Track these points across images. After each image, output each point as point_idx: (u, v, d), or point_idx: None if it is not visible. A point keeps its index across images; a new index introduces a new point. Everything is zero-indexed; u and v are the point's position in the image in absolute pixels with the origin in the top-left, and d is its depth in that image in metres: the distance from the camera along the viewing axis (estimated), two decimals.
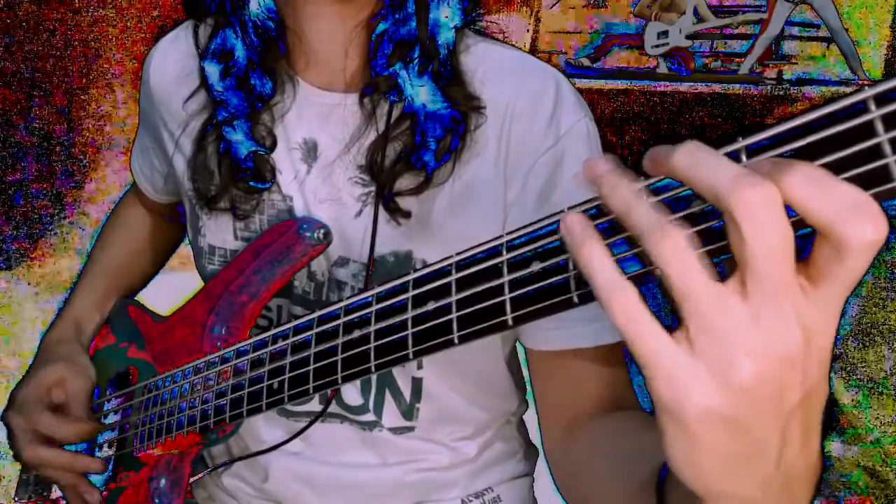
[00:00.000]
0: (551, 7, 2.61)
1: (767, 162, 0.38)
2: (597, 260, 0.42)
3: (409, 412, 0.95)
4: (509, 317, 0.50)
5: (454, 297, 0.54)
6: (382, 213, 0.85)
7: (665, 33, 2.57)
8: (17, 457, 0.97)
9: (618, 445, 0.75)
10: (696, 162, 0.39)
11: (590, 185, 0.44)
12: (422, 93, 0.82)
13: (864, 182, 0.36)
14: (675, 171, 0.40)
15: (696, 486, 0.43)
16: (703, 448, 0.41)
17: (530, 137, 0.84)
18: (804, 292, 0.39)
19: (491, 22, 0.90)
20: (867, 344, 2.40)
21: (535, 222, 0.50)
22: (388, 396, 0.94)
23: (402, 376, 0.93)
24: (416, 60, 0.82)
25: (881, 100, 0.35)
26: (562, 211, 0.48)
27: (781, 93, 2.47)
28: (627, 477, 0.66)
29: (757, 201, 0.37)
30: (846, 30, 2.45)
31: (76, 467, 0.95)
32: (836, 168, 0.37)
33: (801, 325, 0.38)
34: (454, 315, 0.54)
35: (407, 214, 0.85)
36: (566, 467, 0.84)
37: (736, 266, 0.39)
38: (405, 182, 0.84)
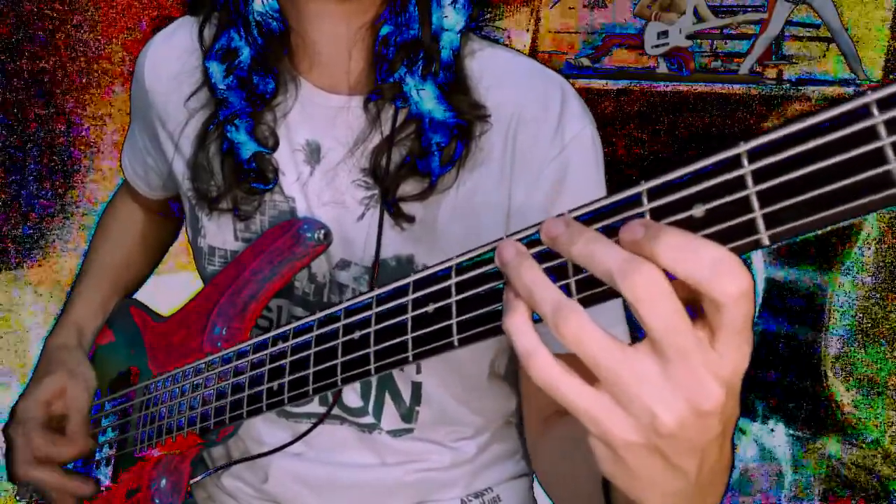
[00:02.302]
0: (551, 7, 2.60)
1: (640, 227, 0.42)
2: (516, 327, 0.47)
3: (408, 415, 0.94)
4: None
5: (454, 300, 0.54)
6: (385, 217, 0.85)
7: (665, 33, 2.57)
8: (11, 472, 0.97)
9: (580, 438, 0.76)
10: (591, 252, 0.44)
11: (550, 246, 0.48)
12: (427, 99, 0.82)
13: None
14: (574, 259, 0.46)
15: (626, 493, 0.49)
16: (628, 466, 0.46)
17: (536, 146, 0.84)
18: (709, 344, 0.43)
19: (496, 27, 0.90)
20: (867, 344, 2.39)
21: (534, 225, 0.50)
22: (387, 399, 0.94)
23: (401, 380, 0.93)
24: (421, 64, 0.82)
25: (884, 104, 0.35)
26: (562, 214, 0.48)
27: (781, 93, 2.46)
28: (587, 469, 0.67)
29: (643, 285, 0.42)
30: (846, 30, 2.44)
31: (66, 490, 0.95)
32: (838, 173, 0.37)
33: (717, 378, 0.43)
34: (454, 318, 0.54)
35: (411, 219, 0.84)
36: (542, 459, 0.87)
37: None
38: (409, 187, 0.84)
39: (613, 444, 0.45)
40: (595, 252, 0.44)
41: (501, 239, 0.52)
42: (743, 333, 0.43)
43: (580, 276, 0.47)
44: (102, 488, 0.96)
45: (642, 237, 0.42)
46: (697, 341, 0.43)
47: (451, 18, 0.83)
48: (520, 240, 0.50)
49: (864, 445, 2.31)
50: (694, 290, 0.42)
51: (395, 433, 0.95)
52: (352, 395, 0.94)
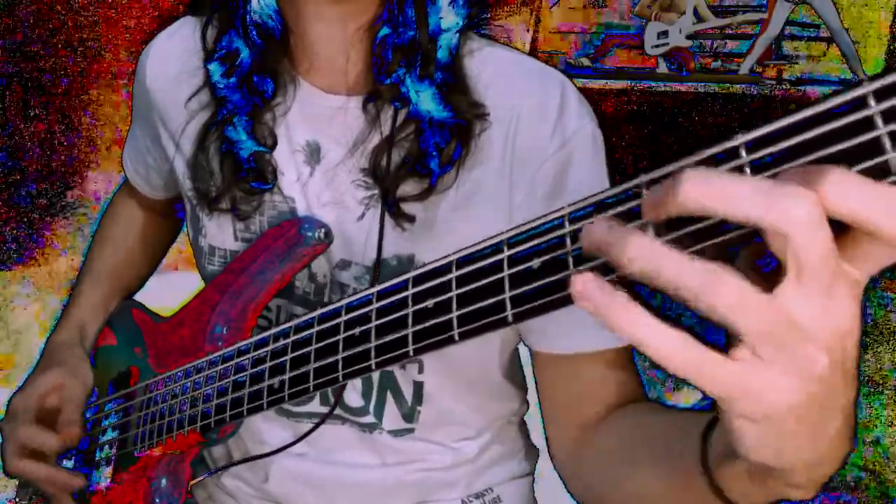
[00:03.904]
0: (551, 7, 2.61)
1: (797, 172, 0.38)
2: (643, 328, 0.40)
3: (409, 415, 0.95)
4: (509, 313, 0.50)
5: (454, 294, 0.54)
6: (386, 217, 0.85)
7: (665, 33, 2.58)
8: (3, 467, 0.98)
9: (648, 432, 0.75)
10: (711, 190, 0.38)
11: (597, 253, 0.42)
12: (425, 99, 0.82)
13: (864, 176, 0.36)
14: (690, 207, 0.39)
15: (779, 464, 0.44)
16: (784, 432, 0.42)
17: (536, 142, 0.83)
18: (845, 264, 0.40)
19: (496, 25, 0.90)
20: (867, 344, 2.40)
21: (535, 219, 0.50)
22: (389, 399, 0.94)
23: (403, 379, 0.93)
24: (418, 66, 0.82)
25: (881, 94, 0.36)
26: (562, 208, 0.48)
27: (781, 93, 2.47)
28: (667, 462, 0.65)
29: (802, 215, 0.37)
30: (846, 30, 2.45)
31: (55, 483, 0.96)
32: (836, 163, 0.37)
33: (853, 294, 0.40)
34: (454, 312, 0.54)
35: (411, 219, 0.84)
36: (584, 469, 0.83)
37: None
38: (409, 188, 0.84)
39: (773, 415, 0.41)
40: (718, 187, 0.38)
41: (502, 233, 0.52)
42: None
43: (669, 236, 0.42)
44: (103, 487, 0.96)
45: (804, 178, 0.38)
46: (841, 264, 0.39)
47: (449, 19, 0.83)
48: (575, 212, 0.47)
49: (864, 445, 2.31)
50: (866, 232, 0.38)
51: (395, 433, 0.95)
52: (353, 395, 0.94)
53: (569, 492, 0.85)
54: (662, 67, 2.59)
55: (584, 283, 0.41)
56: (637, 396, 0.84)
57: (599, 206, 0.46)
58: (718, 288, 0.38)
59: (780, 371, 0.40)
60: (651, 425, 0.75)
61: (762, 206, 0.37)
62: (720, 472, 0.54)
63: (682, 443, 0.61)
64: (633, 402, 0.83)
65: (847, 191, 0.36)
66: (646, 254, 0.40)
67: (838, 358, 0.40)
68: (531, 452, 1.09)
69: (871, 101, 0.36)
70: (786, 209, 0.36)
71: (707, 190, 0.38)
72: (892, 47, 2.44)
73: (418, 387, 0.93)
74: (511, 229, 0.51)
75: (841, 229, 0.39)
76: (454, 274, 0.54)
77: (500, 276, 0.51)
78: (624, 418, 0.80)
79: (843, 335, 0.40)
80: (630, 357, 0.85)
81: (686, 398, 2.47)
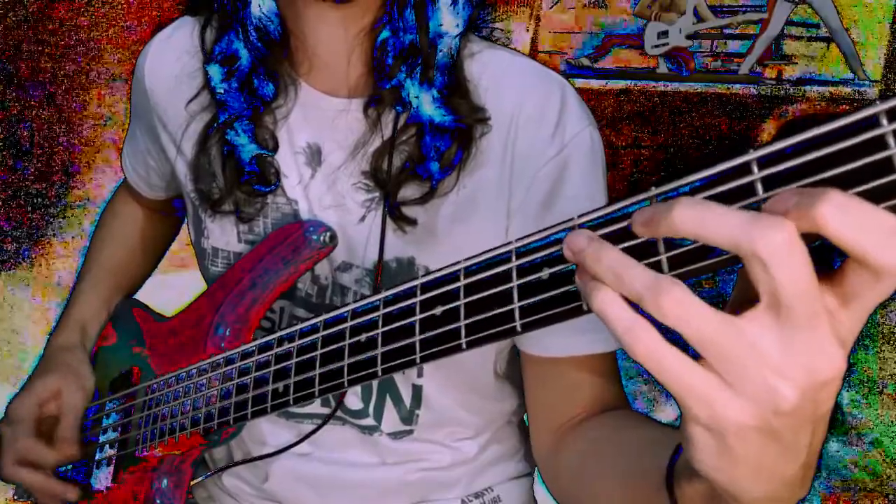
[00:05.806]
0: (551, 7, 2.61)
1: (793, 192, 0.39)
2: (609, 304, 0.43)
3: (408, 418, 0.95)
4: (518, 323, 0.50)
5: (462, 303, 0.54)
6: (387, 220, 0.85)
7: (665, 33, 2.57)
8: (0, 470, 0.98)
9: (621, 439, 0.76)
10: (702, 218, 0.40)
11: (572, 260, 0.46)
12: (426, 103, 0.82)
13: (876, 195, 0.36)
14: (679, 230, 0.41)
15: (725, 488, 0.44)
16: (735, 455, 0.42)
17: (535, 146, 0.83)
18: (833, 310, 0.40)
19: (496, 28, 0.90)
20: (867, 344, 2.40)
21: (545, 229, 0.50)
22: (388, 402, 0.94)
23: (402, 383, 0.93)
24: (419, 69, 0.82)
25: (893, 115, 0.36)
26: (571, 219, 0.48)
27: (781, 93, 2.47)
28: (633, 470, 0.66)
29: (780, 243, 0.37)
30: (846, 30, 2.45)
31: (48, 493, 0.97)
32: (847, 181, 0.37)
33: (840, 343, 0.40)
34: (462, 321, 0.54)
35: (412, 222, 0.84)
36: (559, 470, 0.85)
37: (748, 293, 0.41)
38: (409, 191, 0.84)
39: (724, 430, 0.41)
40: (707, 215, 0.40)
41: (510, 243, 0.52)
42: (872, 309, 0.40)
43: (672, 253, 0.44)
44: (104, 487, 0.96)
45: (798, 202, 0.38)
46: (823, 303, 0.39)
47: (449, 22, 0.83)
48: (586, 223, 0.48)
49: (864, 445, 2.31)
50: (855, 258, 0.38)
51: (394, 435, 0.96)
52: (352, 398, 0.94)
53: (550, 494, 0.87)
54: (662, 67, 2.59)
55: (580, 278, 0.45)
56: (619, 405, 0.85)
57: (609, 218, 0.46)
58: (659, 297, 0.40)
59: (735, 391, 0.40)
60: (626, 433, 0.77)
61: (741, 232, 0.38)
62: (681, 491, 0.55)
63: (653, 456, 0.62)
64: (615, 410, 0.84)
65: (842, 211, 0.37)
66: (609, 266, 0.43)
67: (809, 402, 0.40)
68: (530, 453, 1.09)
69: (884, 121, 0.36)
70: (762, 235, 0.37)
71: (693, 217, 0.40)
72: (892, 47, 2.44)
73: (417, 390, 0.93)
74: (520, 239, 0.51)
75: (830, 270, 0.40)
76: (462, 282, 0.54)
77: (509, 285, 0.51)
78: (601, 423, 0.81)
79: (820, 381, 0.40)
80: (615, 366, 0.86)
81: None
